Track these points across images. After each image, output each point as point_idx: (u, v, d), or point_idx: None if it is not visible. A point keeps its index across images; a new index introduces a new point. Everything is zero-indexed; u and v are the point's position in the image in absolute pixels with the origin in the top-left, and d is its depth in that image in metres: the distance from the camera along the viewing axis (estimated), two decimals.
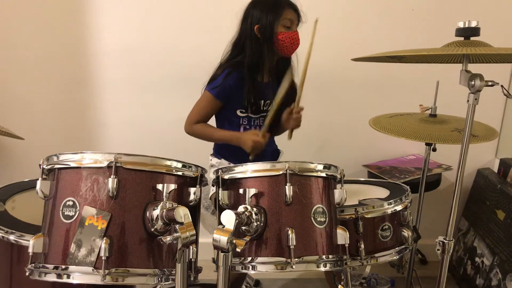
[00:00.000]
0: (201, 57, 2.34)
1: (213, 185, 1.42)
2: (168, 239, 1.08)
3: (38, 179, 1.20)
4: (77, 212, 1.13)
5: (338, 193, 1.37)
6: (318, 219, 1.28)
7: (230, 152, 1.95)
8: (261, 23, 1.77)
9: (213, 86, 1.83)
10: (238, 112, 1.88)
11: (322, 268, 1.28)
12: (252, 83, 1.82)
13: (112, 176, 1.13)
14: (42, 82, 2.52)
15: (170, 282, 1.17)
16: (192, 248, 1.14)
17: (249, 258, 1.27)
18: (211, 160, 2.01)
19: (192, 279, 1.23)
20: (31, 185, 1.65)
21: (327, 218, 1.31)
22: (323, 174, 1.34)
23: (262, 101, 1.89)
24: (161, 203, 1.15)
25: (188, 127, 1.90)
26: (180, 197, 1.24)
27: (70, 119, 2.58)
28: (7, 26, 2.43)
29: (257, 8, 1.80)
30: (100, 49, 2.49)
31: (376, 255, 1.56)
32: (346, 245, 1.33)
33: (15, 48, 2.46)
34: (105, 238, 1.10)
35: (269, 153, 2.03)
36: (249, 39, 1.80)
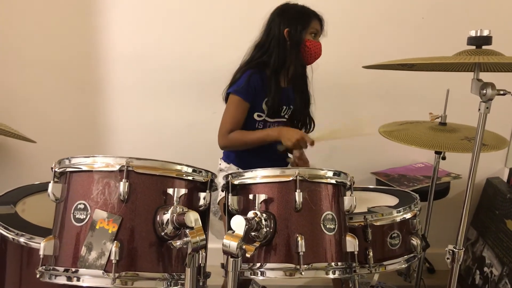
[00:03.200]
0: (211, 63, 2.36)
1: (222, 190, 1.43)
2: (178, 243, 1.08)
3: (49, 182, 1.20)
4: (88, 215, 1.13)
5: (347, 200, 1.36)
6: (327, 226, 1.28)
7: (240, 158, 1.95)
8: (291, 27, 1.80)
9: (237, 89, 1.82)
10: (255, 116, 1.87)
11: (331, 275, 1.27)
12: (277, 85, 1.83)
13: (123, 180, 1.13)
14: (55, 86, 2.54)
15: (179, 286, 1.17)
16: (202, 253, 1.14)
17: (258, 264, 1.27)
18: (220, 164, 2.01)
19: (201, 284, 1.23)
20: (41, 187, 1.66)
21: (336, 225, 1.31)
22: (333, 181, 1.34)
23: (281, 106, 1.90)
24: (172, 207, 1.15)
25: (223, 140, 1.83)
26: (190, 201, 1.25)
27: (82, 123, 2.60)
28: (19, 30, 2.46)
29: (286, 14, 1.84)
30: (112, 54, 2.51)
31: (385, 263, 1.55)
32: (355, 253, 1.33)
33: (28, 52, 2.49)
34: (115, 241, 1.10)
35: (280, 157, 2.03)
36: (277, 42, 1.82)
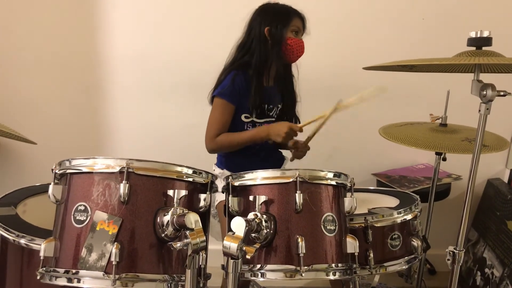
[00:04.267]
0: (212, 64, 2.34)
1: (223, 192, 1.42)
2: (178, 245, 1.08)
3: (49, 184, 1.21)
4: (89, 217, 1.13)
5: (348, 202, 1.36)
6: (328, 227, 1.28)
7: (232, 162, 1.95)
8: (272, 25, 1.80)
9: (222, 91, 1.81)
10: (242, 118, 1.86)
11: (332, 277, 1.27)
12: (259, 84, 1.82)
13: (123, 182, 1.13)
14: (55, 87, 2.55)
15: None
16: (202, 255, 1.14)
17: (258, 265, 1.27)
18: (214, 170, 2.01)
19: (201, 285, 1.23)
20: (42, 189, 1.67)
21: (337, 227, 1.30)
22: (333, 182, 1.34)
23: (266, 105, 1.89)
24: (172, 209, 1.15)
25: (210, 143, 1.82)
26: (190, 203, 1.24)
27: (82, 124, 2.61)
28: (20, 30, 2.46)
29: (267, 13, 1.84)
30: (112, 54, 2.51)
31: (385, 264, 1.55)
32: (356, 254, 1.33)
33: (28, 52, 2.49)
34: (115, 243, 1.10)
35: (274, 159, 2.03)
36: (258, 41, 1.81)
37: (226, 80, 1.82)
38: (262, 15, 1.84)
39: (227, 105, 1.81)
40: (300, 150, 1.89)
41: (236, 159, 1.94)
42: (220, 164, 1.99)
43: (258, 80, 1.83)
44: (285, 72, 1.93)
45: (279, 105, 1.95)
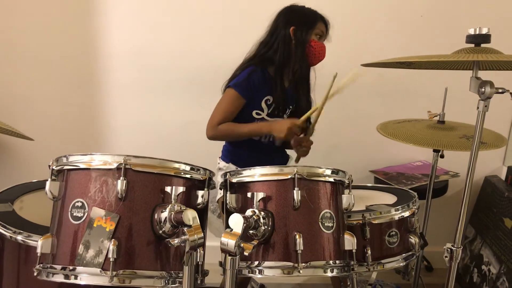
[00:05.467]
0: (209, 61, 2.35)
1: (220, 188, 1.42)
2: (176, 241, 1.08)
3: (46, 180, 1.20)
4: (86, 213, 1.13)
5: (346, 199, 1.36)
6: (325, 224, 1.28)
7: (239, 157, 1.94)
8: (297, 26, 1.80)
9: (237, 83, 1.80)
10: (253, 114, 1.85)
11: (329, 274, 1.27)
12: (281, 83, 1.82)
13: (121, 178, 1.13)
14: (52, 84, 2.54)
15: (177, 285, 1.17)
16: (200, 251, 1.14)
17: (256, 262, 1.26)
18: (219, 163, 2.00)
19: (199, 282, 1.23)
20: (39, 185, 1.66)
21: (334, 223, 1.30)
22: (331, 179, 1.34)
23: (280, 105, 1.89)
24: (170, 205, 1.15)
25: (212, 131, 1.81)
26: (188, 199, 1.24)
27: (79, 121, 2.60)
28: (18, 28, 2.45)
29: (293, 14, 1.84)
30: (110, 51, 2.50)
31: (383, 261, 1.55)
32: (354, 251, 1.33)
33: (25, 49, 2.48)
34: (113, 239, 1.10)
35: (280, 156, 2.03)
36: (282, 40, 1.81)
37: (242, 74, 1.82)
38: (288, 15, 1.85)
39: (238, 97, 1.81)
40: (304, 145, 1.87)
41: (243, 153, 1.94)
42: (225, 157, 1.99)
43: (281, 79, 1.83)
44: (303, 75, 1.91)
45: (291, 107, 1.94)
